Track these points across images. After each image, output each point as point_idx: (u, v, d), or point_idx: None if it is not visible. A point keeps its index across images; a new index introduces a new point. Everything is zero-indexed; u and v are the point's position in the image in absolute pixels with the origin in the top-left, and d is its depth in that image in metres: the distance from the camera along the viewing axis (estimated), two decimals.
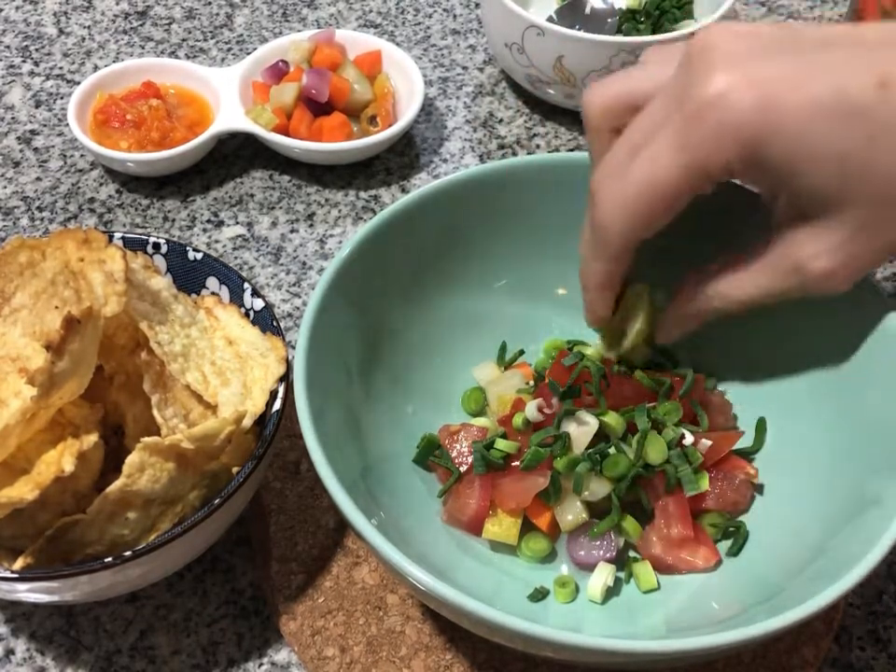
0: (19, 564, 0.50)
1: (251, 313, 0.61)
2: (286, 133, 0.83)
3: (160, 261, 0.63)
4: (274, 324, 0.60)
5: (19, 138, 0.88)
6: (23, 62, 0.96)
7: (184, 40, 0.98)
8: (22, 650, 0.58)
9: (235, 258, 0.79)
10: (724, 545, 0.57)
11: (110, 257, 0.54)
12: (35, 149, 0.87)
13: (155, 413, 0.52)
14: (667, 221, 0.51)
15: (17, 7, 1.02)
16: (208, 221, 0.82)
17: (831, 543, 0.51)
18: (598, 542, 0.57)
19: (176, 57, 0.96)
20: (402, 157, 0.87)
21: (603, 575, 0.56)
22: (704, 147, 0.47)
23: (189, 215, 0.82)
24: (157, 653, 0.58)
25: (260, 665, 0.58)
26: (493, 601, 0.45)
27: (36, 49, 0.97)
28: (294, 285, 0.77)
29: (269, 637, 0.59)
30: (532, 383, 0.64)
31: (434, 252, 0.63)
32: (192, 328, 0.58)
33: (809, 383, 0.60)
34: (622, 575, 0.57)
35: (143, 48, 0.97)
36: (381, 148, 0.85)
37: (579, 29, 0.90)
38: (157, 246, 0.63)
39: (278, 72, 0.86)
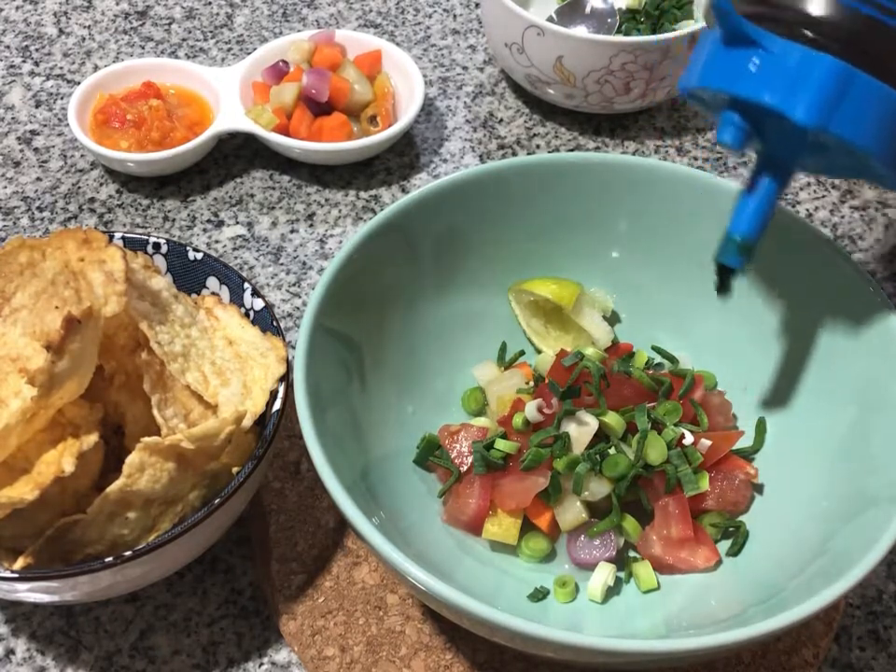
0: (19, 564, 0.50)
1: (251, 313, 0.61)
2: (286, 133, 0.83)
3: (160, 261, 0.63)
4: (274, 324, 0.60)
5: (19, 138, 0.88)
6: (23, 62, 0.96)
7: (184, 40, 0.98)
8: (22, 650, 0.58)
9: (235, 258, 0.79)
10: (724, 545, 0.57)
11: (110, 257, 0.54)
12: (35, 149, 0.87)
13: (155, 412, 0.52)
14: None
15: (17, 7, 1.02)
16: (208, 221, 0.82)
17: (831, 543, 0.51)
18: (598, 542, 0.57)
19: (176, 57, 0.96)
20: (402, 157, 0.87)
21: (603, 575, 0.56)
22: None
23: (189, 215, 0.82)
24: (157, 653, 0.58)
25: (260, 664, 0.58)
26: (493, 601, 0.45)
27: (36, 49, 0.97)
28: (294, 285, 0.77)
29: (269, 636, 0.59)
30: (532, 383, 0.64)
31: (434, 252, 0.63)
32: (192, 328, 0.58)
33: (809, 383, 0.60)
34: (622, 575, 0.57)
35: (143, 48, 0.97)
36: (381, 148, 0.85)
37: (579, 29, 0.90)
38: (157, 246, 0.63)
39: (278, 72, 0.86)
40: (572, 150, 0.88)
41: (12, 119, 0.90)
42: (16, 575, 0.49)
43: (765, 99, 0.47)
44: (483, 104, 0.93)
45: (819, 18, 0.47)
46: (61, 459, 0.50)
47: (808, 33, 0.47)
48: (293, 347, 0.58)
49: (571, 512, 0.57)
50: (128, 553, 0.50)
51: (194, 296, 0.62)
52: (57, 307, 0.52)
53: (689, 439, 0.58)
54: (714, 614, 0.52)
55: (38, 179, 0.84)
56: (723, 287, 0.56)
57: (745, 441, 0.61)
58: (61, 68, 0.95)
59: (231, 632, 0.59)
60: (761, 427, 0.61)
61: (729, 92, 0.49)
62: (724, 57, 0.49)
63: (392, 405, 0.61)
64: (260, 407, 0.56)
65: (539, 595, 0.55)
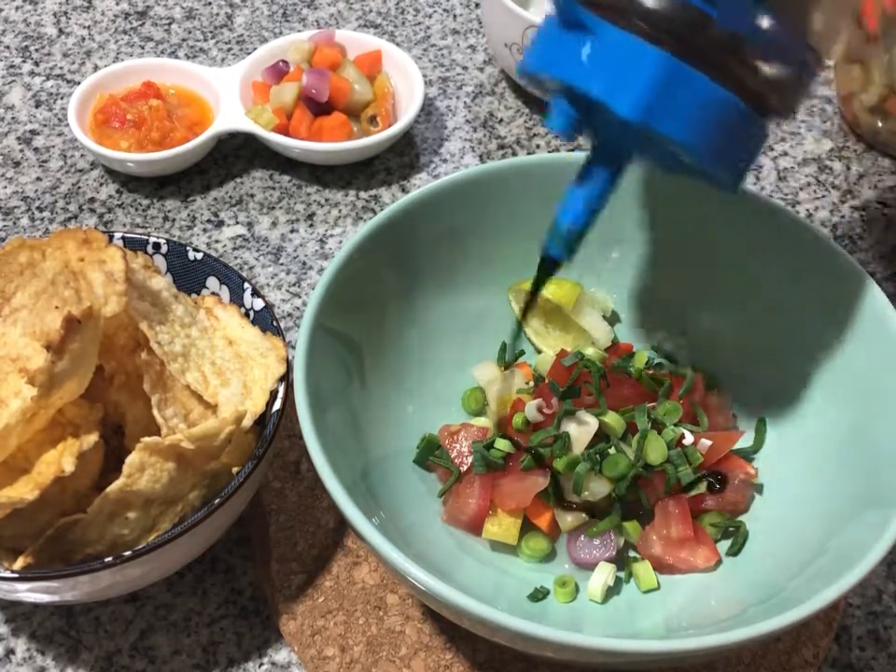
0: (19, 564, 0.50)
1: (251, 313, 0.61)
2: (286, 133, 0.83)
3: (160, 261, 0.63)
4: (274, 324, 0.60)
5: (19, 138, 0.88)
6: (23, 62, 0.96)
7: (184, 40, 0.98)
8: (22, 650, 0.58)
9: (235, 258, 0.79)
10: (724, 545, 0.57)
11: (110, 257, 0.54)
12: (35, 149, 0.87)
13: (155, 413, 0.52)
14: None
15: (17, 7, 1.02)
16: (208, 221, 0.82)
17: (831, 543, 0.51)
18: (598, 542, 0.57)
19: (176, 57, 0.96)
20: (402, 157, 0.87)
21: (603, 575, 0.56)
22: None
23: (189, 215, 0.82)
24: (157, 653, 0.58)
25: (260, 665, 0.58)
26: (493, 601, 0.46)
27: (36, 49, 0.97)
28: (294, 285, 0.77)
29: (269, 636, 0.59)
30: (532, 383, 0.64)
31: (434, 252, 0.63)
32: (192, 328, 0.58)
33: (809, 383, 0.60)
34: (622, 575, 0.57)
35: (143, 48, 0.97)
36: (381, 148, 0.85)
37: None
38: (157, 246, 0.63)
39: (278, 72, 0.86)
40: (572, 150, 0.88)
41: (12, 118, 0.90)
42: (16, 575, 0.49)
43: (590, 89, 0.46)
44: (483, 104, 0.93)
45: (653, 9, 0.45)
46: (61, 459, 0.50)
47: (643, 24, 0.46)
48: (293, 347, 0.58)
49: (571, 512, 0.57)
50: (128, 553, 0.50)
51: (194, 296, 0.62)
52: (57, 307, 0.52)
53: (689, 439, 0.58)
54: (714, 614, 0.52)
55: (38, 179, 0.84)
56: (540, 280, 0.54)
57: (745, 441, 0.61)
58: (61, 68, 0.95)
59: (231, 632, 0.59)
60: (761, 427, 0.61)
61: (557, 79, 0.47)
62: (557, 42, 0.48)
63: (392, 405, 0.61)
64: (260, 407, 0.56)
65: (539, 594, 0.55)
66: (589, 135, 0.51)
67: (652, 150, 0.50)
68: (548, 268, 0.54)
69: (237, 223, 0.81)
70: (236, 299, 0.62)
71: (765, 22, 0.45)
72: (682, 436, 0.58)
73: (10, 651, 0.58)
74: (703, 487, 0.58)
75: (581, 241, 0.52)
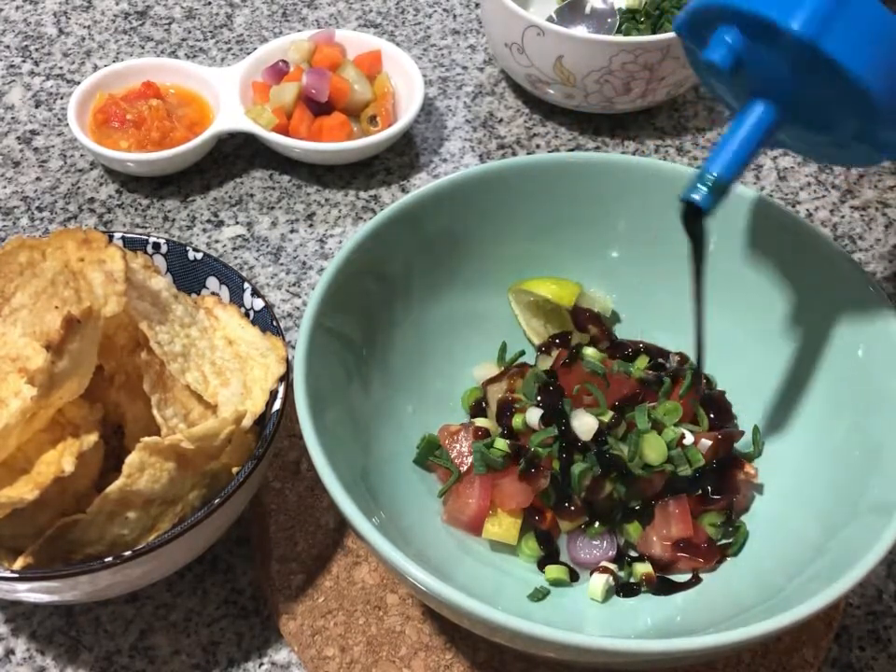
0: (19, 564, 0.50)
1: (251, 313, 0.61)
2: (286, 132, 0.83)
3: (160, 261, 0.63)
4: (274, 324, 0.60)
5: (19, 138, 0.88)
6: (23, 62, 0.96)
7: (184, 40, 0.98)
8: (22, 650, 0.58)
9: (235, 258, 0.79)
10: (724, 545, 0.57)
11: (110, 257, 0.54)
12: (35, 149, 0.87)
13: (155, 413, 0.52)
14: None
15: (17, 7, 1.02)
16: (208, 221, 0.82)
17: (831, 543, 0.51)
18: (598, 542, 0.57)
19: (176, 57, 0.96)
20: (402, 157, 0.87)
21: (603, 575, 0.56)
22: None
23: (188, 215, 0.82)
24: (157, 653, 0.58)
25: (260, 664, 0.58)
26: (493, 601, 0.45)
27: (36, 49, 0.97)
28: (294, 285, 0.77)
29: (269, 636, 0.59)
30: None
31: (434, 252, 0.63)
32: (192, 328, 0.58)
33: (809, 382, 0.60)
34: (622, 575, 0.57)
35: (143, 48, 0.97)
36: (381, 148, 0.85)
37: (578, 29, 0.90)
38: (157, 246, 0.63)
39: (278, 72, 0.86)
40: (572, 150, 0.88)
41: (12, 118, 0.90)
42: (16, 575, 0.49)
43: (761, 9, 0.45)
44: (483, 104, 0.93)
45: None
46: (61, 459, 0.50)
47: None
48: (293, 347, 0.58)
49: (571, 513, 0.57)
50: (128, 553, 0.50)
51: (194, 296, 0.62)
52: (57, 307, 0.52)
53: (689, 439, 0.58)
54: (714, 614, 0.52)
55: (38, 179, 0.84)
56: (690, 232, 0.52)
57: (745, 442, 0.61)
58: (61, 68, 0.95)
59: (231, 632, 0.59)
60: (760, 428, 0.61)
61: (723, 5, 0.46)
62: None
63: (392, 405, 0.61)
64: (260, 407, 0.56)
65: (539, 594, 0.55)
66: (747, 82, 0.50)
67: (809, 97, 0.48)
68: (692, 218, 0.52)
69: (237, 223, 0.81)
70: (236, 299, 0.62)
71: None
72: (682, 436, 0.58)
73: (10, 651, 0.58)
74: (703, 487, 0.58)
75: (726, 192, 0.49)
